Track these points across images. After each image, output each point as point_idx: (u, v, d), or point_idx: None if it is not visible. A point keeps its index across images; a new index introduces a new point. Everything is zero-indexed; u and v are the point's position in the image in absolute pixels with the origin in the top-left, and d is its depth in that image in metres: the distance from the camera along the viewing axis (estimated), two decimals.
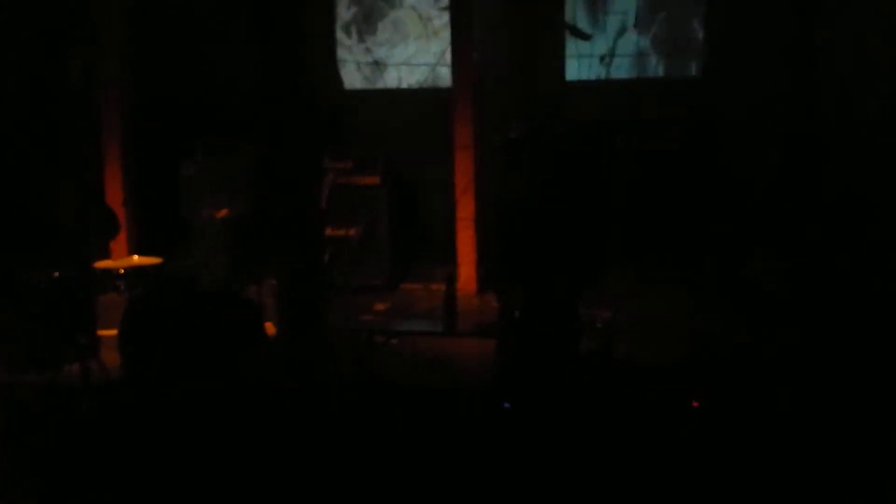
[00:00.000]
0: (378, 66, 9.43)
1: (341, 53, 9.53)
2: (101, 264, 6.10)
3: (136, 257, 6.44)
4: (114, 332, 5.58)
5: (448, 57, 8.07)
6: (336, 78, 9.59)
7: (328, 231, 7.72)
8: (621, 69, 9.05)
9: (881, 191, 7.32)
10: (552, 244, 5.82)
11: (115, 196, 7.53)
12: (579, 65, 9.12)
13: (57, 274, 5.50)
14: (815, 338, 5.89)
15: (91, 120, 7.81)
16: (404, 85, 9.39)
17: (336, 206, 7.80)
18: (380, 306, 7.53)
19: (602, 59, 8.89)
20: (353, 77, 9.54)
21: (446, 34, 8.35)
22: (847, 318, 6.17)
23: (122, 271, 5.98)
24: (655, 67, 9.03)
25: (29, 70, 7.97)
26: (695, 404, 4.93)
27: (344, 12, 9.48)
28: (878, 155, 7.40)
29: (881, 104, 7.45)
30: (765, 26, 8.39)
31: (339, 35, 9.49)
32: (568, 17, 9.11)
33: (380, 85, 9.41)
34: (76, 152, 7.78)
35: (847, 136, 7.82)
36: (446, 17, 8.60)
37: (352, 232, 7.94)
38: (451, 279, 6.75)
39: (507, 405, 4.98)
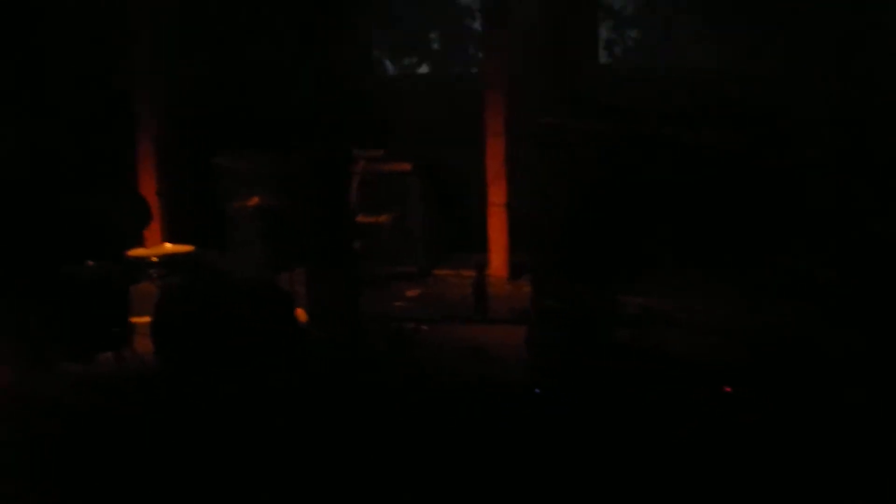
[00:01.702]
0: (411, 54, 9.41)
1: (375, 40, 9.53)
2: (134, 253, 6.14)
3: (168, 245, 6.47)
4: (147, 319, 5.62)
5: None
6: (370, 65, 9.58)
7: (360, 218, 7.73)
8: (660, 53, 8.95)
9: None
10: (587, 233, 5.76)
11: (149, 186, 7.59)
12: (614, 50, 9.03)
13: (91, 263, 5.55)
14: (867, 331, 5.76)
15: (127, 114, 7.88)
16: (437, 71, 9.38)
17: (368, 194, 7.80)
18: (412, 293, 7.53)
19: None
20: (384, 65, 9.53)
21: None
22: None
23: (155, 259, 6.01)
24: (694, 52, 8.90)
25: (69, 66, 8.05)
26: (727, 390, 4.86)
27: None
28: None
29: None
30: (810, 14, 8.21)
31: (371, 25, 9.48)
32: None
33: (412, 71, 9.40)
34: (112, 145, 7.86)
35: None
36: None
37: (384, 219, 7.93)
38: (482, 266, 6.72)
39: (537, 391, 4.96)
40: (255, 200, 6.44)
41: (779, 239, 7.47)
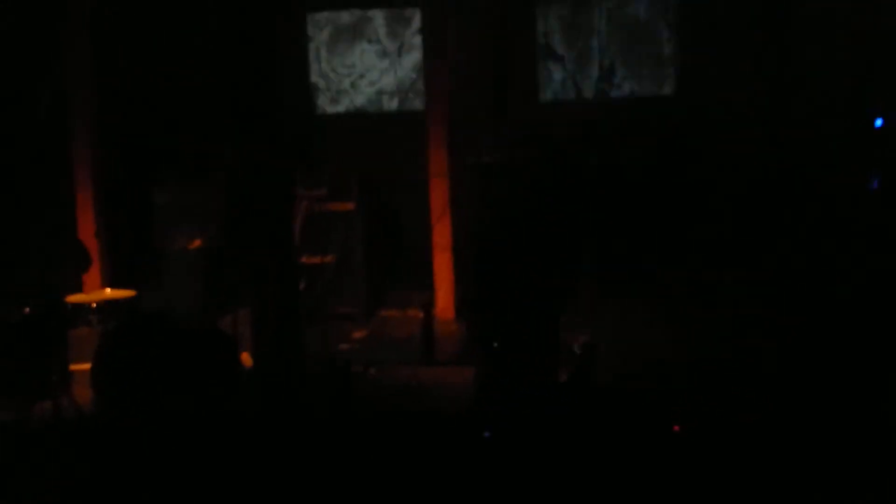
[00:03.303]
0: (349, 89, 9.41)
1: (313, 76, 9.51)
2: (74, 298, 6.01)
3: (108, 290, 6.34)
4: (86, 366, 5.49)
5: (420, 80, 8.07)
6: (309, 101, 9.56)
7: (304, 258, 7.67)
8: (593, 87, 9.11)
9: (846, 202, 7.39)
10: (528, 269, 5.80)
11: (87, 228, 7.43)
12: (553, 85, 9.16)
13: (28, 309, 5.40)
14: (790, 351, 5.91)
15: (61, 153, 7.72)
16: (376, 108, 9.39)
17: (311, 233, 7.76)
18: (357, 334, 7.48)
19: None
20: (325, 100, 9.51)
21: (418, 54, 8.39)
22: (820, 329, 6.20)
23: (95, 305, 5.89)
24: (628, 85, 9.08)
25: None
26: (676, 429, 4.90)
27: (317, 34, 9.46)
28: (843, 168, 7.48)
29: (846, 120, 7.53)
30: (735, 42, 8.47)
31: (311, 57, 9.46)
32: (540, 38, 9.15)
33: (352, 108, 9.39)
34: (45, 186, 7.70)
35: (816, 150, 7.92)
36: (418, 39, 8.64)
37: (328, 259, 7.88)
38: (428, 307, 6.71)
39: (487, 434, 4.94)
40: (196, 243, 6.35)
41: (694, 257, 7.69)
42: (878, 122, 7.47)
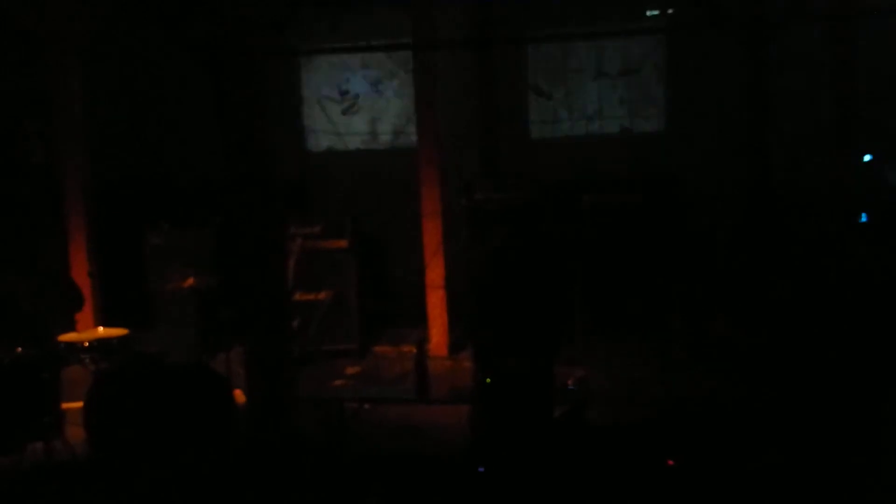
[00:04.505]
0: (343, 128, 9.49)
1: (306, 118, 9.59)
2: (66, 337, 5.99)
3: (101, 329, 6.33)
4: (79, 405, 5.46)
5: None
6: (301, 141, 9.63)
7: (297, 296, 7.68)
8: (583, 127, 9.20)
9: (836, 236, 7.44)
10: (521, 309, 5.80)
11: (80, 268, 7.43)
12: (542, 123, 9.25)
13: (20, 350, 5.39)
14: (783, 391, 5.92)
15: (53, 195, 7.74)
16: (369, 146, 9.46)
17: (305, 271, 7.77)
18: (351, 370, 7.47)
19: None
20: (318, 142, 9.58)
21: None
22: (811, 369, 6.22)
23: (87, 344, 5.87)
24: (618, 124, 9.18)
25: None
26: (670, 463, 4.90)
27: (311, 76, 9.55)
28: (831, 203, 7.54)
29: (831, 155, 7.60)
30: (720, 83, 8.58)
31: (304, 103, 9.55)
32: (530, 78, 9.25)
33: (346, 146, 9.46)
34: (38, 225, 7.72)
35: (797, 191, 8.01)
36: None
37: (321, 296, 7.89)
38: (422, 344, 6.71)
39: (481, 469, 4.93)
40: (190, 281, 6.35)
41: (685, 301, 7.71)
42: (868, 158, 7.54)
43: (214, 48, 5.88)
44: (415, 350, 6.73)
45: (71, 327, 6.85)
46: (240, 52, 5.42)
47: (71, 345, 5.90)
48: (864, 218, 7.19)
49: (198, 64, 7.92)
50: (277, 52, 6.61)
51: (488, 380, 5.51)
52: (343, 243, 8.02)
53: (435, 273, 7.73)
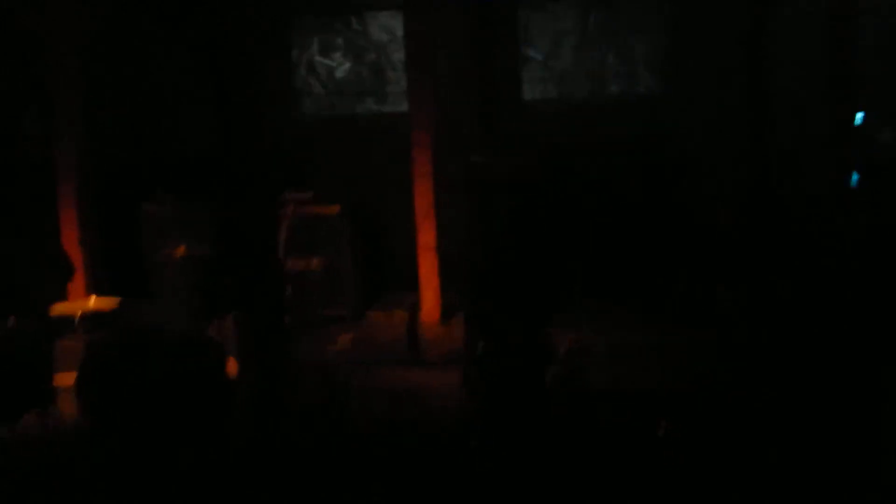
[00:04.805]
0: (334, 92, 9.41)
1: (299, 81, 9.51)
2: (58, 308, 5.99)
3: (93, 299, 6.32)
4: (72, 377, 5.46)
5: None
6: (294, 107, 9.55)
7: (290, 262, 7.67)
8: (578, 86, 9.12)
9: (829, 200, 7.42)
10: (518, 273, 5.81)
11: (71, 237, 7.40)
12: (537, 86, 9.17)
13: (11, 321, 5.39)
14: (777, 362, 5.93)
15: (46, 161, 7.70)
16: (362, 111, 9.39)
17: (297, 237, 7.76)
18: (346, 336, 7.48)
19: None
20: (312, 104, 9.50)
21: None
22: (808, 341, 6.22)
23: (80, 314, 5.87)
24: (613, 85, 9.10)
25: None
26: (662, 430, 4.92)
27: (302, 39, 9.45)
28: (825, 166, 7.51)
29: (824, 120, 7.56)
30: (720, 43, 8.50)
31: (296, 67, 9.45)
32: (523, 40, 9.15)
33: (338, 112, 9.39)
34: (29, 194, 7.68)
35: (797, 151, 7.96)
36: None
37: (314, 262, 7.88)
38: (414, 308, 6.72)
39: (474, 444, 4.96)
40: (181, 249, 6.34)
41: (679, 264, 7.71)
42: (859, 118, 7.50)
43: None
44: (407, 315, 6.75)
45: (63, 298, 6.84)
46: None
47: (63, 316, 5.90)
48: (854, 178, 7.17)
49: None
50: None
51: (482, 343, 5.53)
52: (335, 209, 8.00)
53: (427, 235, 7.70)
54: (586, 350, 5.83)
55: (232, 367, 5.84)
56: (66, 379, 5.57)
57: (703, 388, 5.52)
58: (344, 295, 7.92)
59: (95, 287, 7.36)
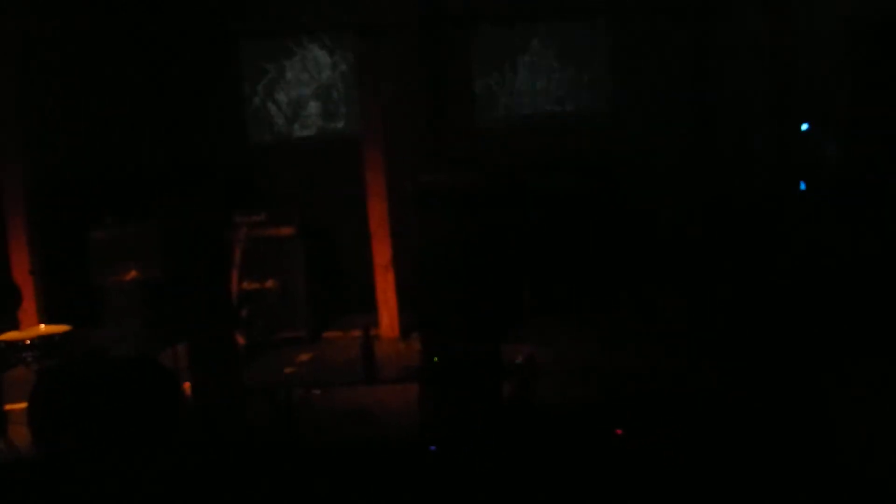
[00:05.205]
0: (286, 114, 9.41)
1: (249, 103, 9.50)
2: (6, 336, 5.90)
3: (42, 326, 6.23)
4: (22, 405, 5.39)
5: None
6: (246, 129, 9.54)
7: (245, 285, 7.63)
8: (527, 106, 9.22)
9: (777, 205, 7.56)
10: (468, 290, 5.83)
11: (21, 265, 7.33)
12: (487, 106, 9.25)
13: None
14: (722, 367, 6.00)
15: None
16: (314, 132, 9.39)
17: (252, 260, 7.72)
18: (302, 357, 7.45)
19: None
20: (263, 126, 9.50)
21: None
22: (752, 344, 6.31)
23: (28, 342, 5.78)
24: (561, 104, 9.21)
25: None
26: (618, 432, 4.96)
27: (252, 62, 9.45)
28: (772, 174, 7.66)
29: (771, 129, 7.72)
30: (666, 62, 8.65)
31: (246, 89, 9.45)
32: (474, 60, 9.24)
33: (290, 134, 9.39)
34: None
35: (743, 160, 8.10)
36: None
37: (269, 284, 7.85)
38: (368, 327, 6.72)
39: (433, 448, 4.96)
40: (132, 274, 6.27)
41: (631, 278, 7.81)
42: (805, 127, 7.66)
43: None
44: (362, 333, 6.74)
45: (13, 326, 6.75)
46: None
47: (12, 343, 5.81)
48: (802, 186, 7.31)
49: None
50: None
51: (436, 359, 5.55)
52: (289, 230, 7.98)
53: (382, 254, 7.73)
54: (536, 364, 5.87)
55: (187, 391, 5.80)
56: (16, 407, 5.50)
57: (649, 396, 5.58)
58: (300, 316, 7.89)
59: (46, 314, 7.29)
